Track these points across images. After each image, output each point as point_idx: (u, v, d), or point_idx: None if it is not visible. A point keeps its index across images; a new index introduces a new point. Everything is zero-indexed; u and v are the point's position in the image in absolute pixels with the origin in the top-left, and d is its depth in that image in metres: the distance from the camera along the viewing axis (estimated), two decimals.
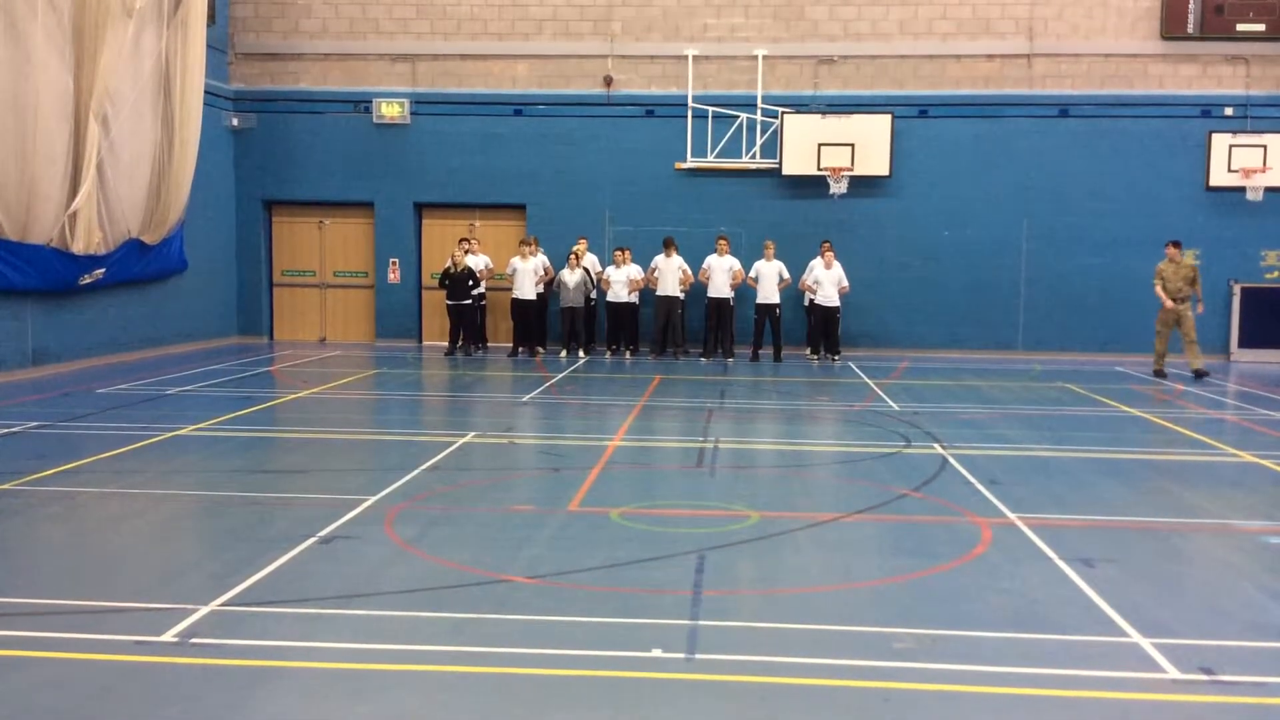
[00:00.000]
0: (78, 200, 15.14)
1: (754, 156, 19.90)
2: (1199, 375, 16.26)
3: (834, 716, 4.56)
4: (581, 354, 18.85)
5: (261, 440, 10.81)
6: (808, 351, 19.27)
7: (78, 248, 15.31)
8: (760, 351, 18.74)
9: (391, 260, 20.83)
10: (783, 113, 19.63)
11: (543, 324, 19.16)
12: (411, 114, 20.36)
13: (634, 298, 18.94)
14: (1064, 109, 19.74)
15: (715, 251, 18.56)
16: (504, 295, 19.64)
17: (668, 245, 18.61)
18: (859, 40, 19.89)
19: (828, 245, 18.69)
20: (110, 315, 16.83)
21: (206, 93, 18.49)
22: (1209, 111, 19.54)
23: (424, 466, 9.33)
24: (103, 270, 16.07)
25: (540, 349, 19.06)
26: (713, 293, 18.44)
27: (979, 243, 19.91)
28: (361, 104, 20.47)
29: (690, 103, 19.90)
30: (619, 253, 18.83)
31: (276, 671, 4.92)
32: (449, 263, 18.92)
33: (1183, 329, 16.58)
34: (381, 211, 20.75)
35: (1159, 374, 16.77)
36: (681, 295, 18.77)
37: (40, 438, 10.54)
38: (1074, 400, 14.21)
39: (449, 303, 18.84)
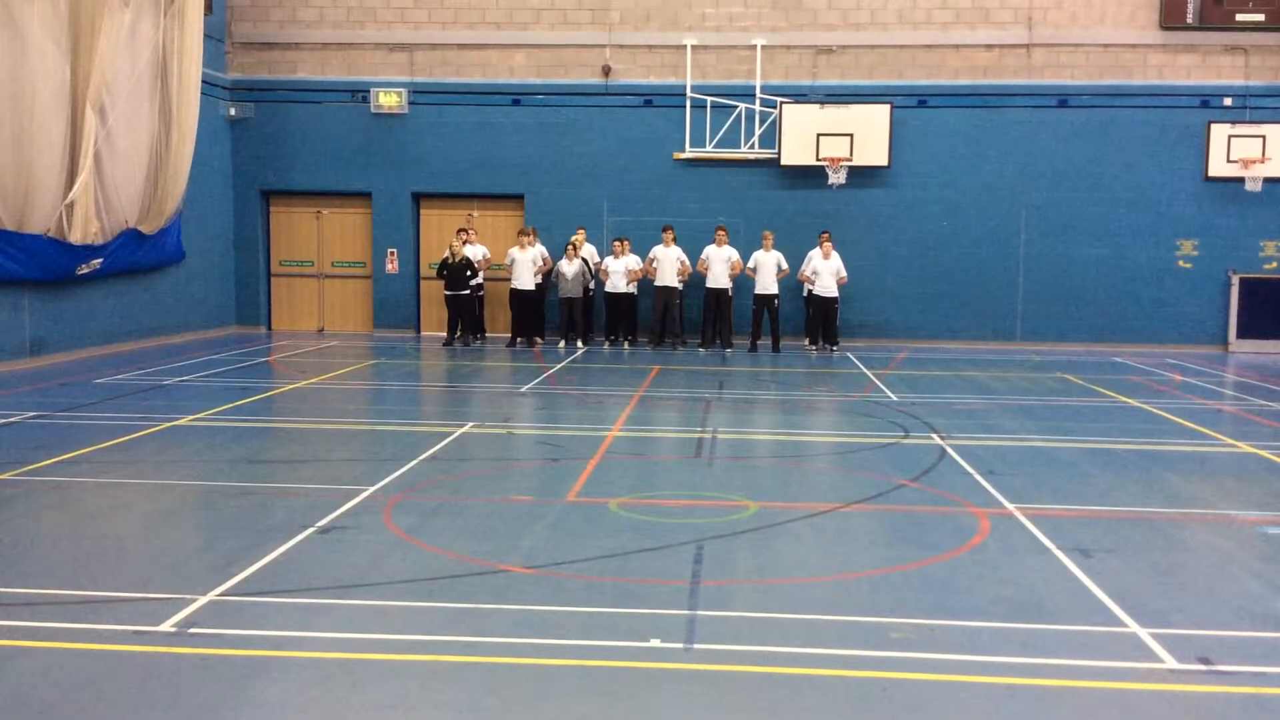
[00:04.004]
0: (75, 190, 15.10)
1: (753, 146, 19.86)
2: None
3: (832, 707, 4.57)
4: (580, 344, 18.84)
5: (260, 431, 10.80)
6: (806, 342, 19.26)
7: (75, 238, 15.27)
8: (758, 342, 18.74)
9: (389, 250, 20.80)
10: (781, 103, 19.60)
11: (541, 314, 19.14)
12: (409, 104, 20.31)
13: (632, 288, 18.92)
14: (1063, 99, 19.70)
15: (714, 242, 18.53)
16: (502, 286, 19.62)
17: (666, 232, 18.57)
18: (858, 30, 19.84)
19: (826, 236, 18.68)
20: (108, 305, 16.81)
21: (204, 82, 18.43)
22: (1208, 101, 19.52)
23: (422, 457, 9.33)
24: (100, 260, 16.04)
25: (538, 339, 19.04)
26: (711, 283, 18.40)
27: (977, 233, 19.90)
28: (359, 93, 20.41)
29: (689, 92, 19.85)
30: (617, 243, 18.80)
31: (275, 661, 4.92)
32: (447, 253, 18.90)
33: None
34: (379, 201, 20.71)
35: None
36: (680, 286, 18.74)
37: (38, 427, 10.53)
38: (1072, 391, 14.21)
39: (447, 293, 18.82)
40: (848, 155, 19.35)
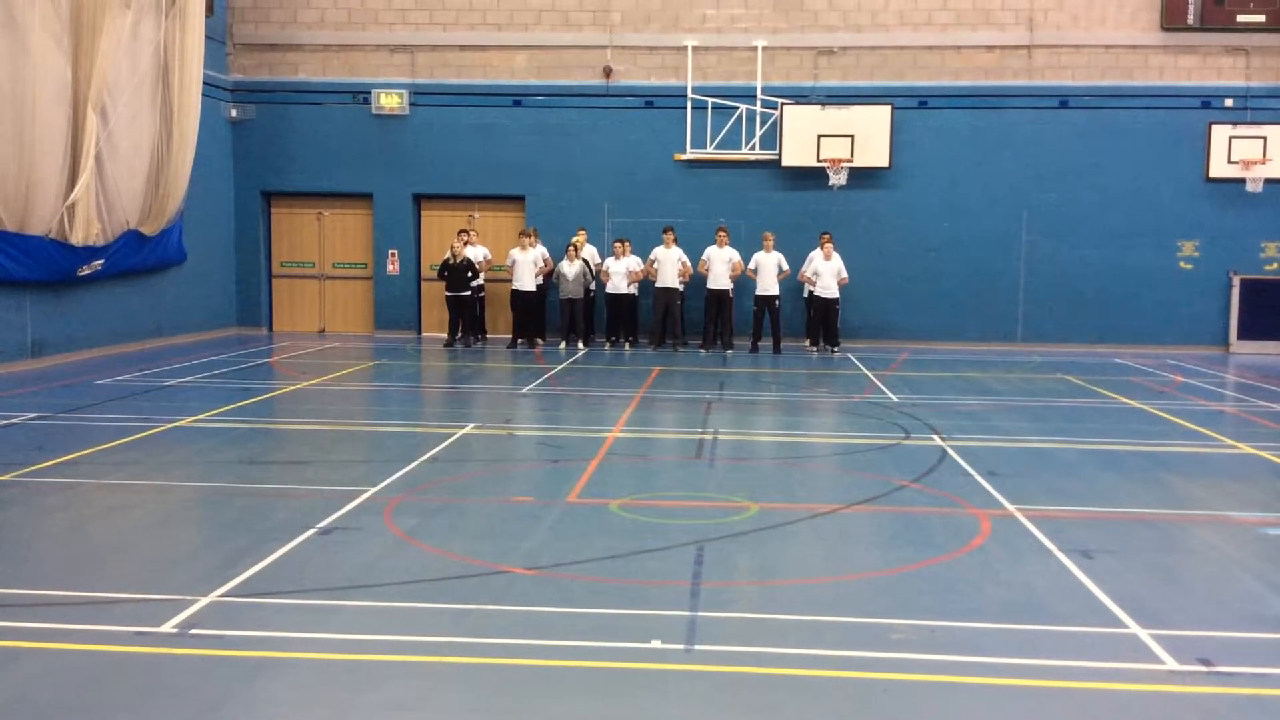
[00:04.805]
0: (76, 191, 15.11)
1: (753, 148, 19.86)
2: None
3: (833, 707, 4.57)
4: (581, 345, 18.84)
5: (261, 432, 10.81)
6: (807, 343, 19.26)
7: (76, 239, 15.28)
8: (759, 343, 18.74)
9: (390, 251, 20.81)
10: (782, 104, 19.60)
11: (542, 315, 19.14)
12: (410, 105, 20.32)
13: (633, 289, 18.92)
14: (1064, 100, 19.70)
15: (714, 243, 18.53)
16: (503, 287, 19.62)
17: (667, 233, 18.58)
18: (859, 31, 19.84)
19: (827, 237, 18.68)
20: (109, 307, 16.81)
21: (205, 83, 18.44)
22: (1209, 103, 19.52)
23: (423, 458, 9.33)
24: (101, 261, 16.05)
25: (539, 340, 19.05)
26: (712, 284, 18.41)
27: (978, 234, 19.89)
28: (360, 95, 20.42)
29: (690, 94, 19.85)
30: (618, 244, 18.81)
31: (276, 662, 4.92)
32: (448, 254, 18.90)
33: None
34: (380, 203, 20.72)
35: None
36: (681, 287, 18.74)
37: (39, 429, 10.54)
38: (1073, 392, 14.21)
39: (448, 294, 18.82)
40: (848, 156, 19.34)
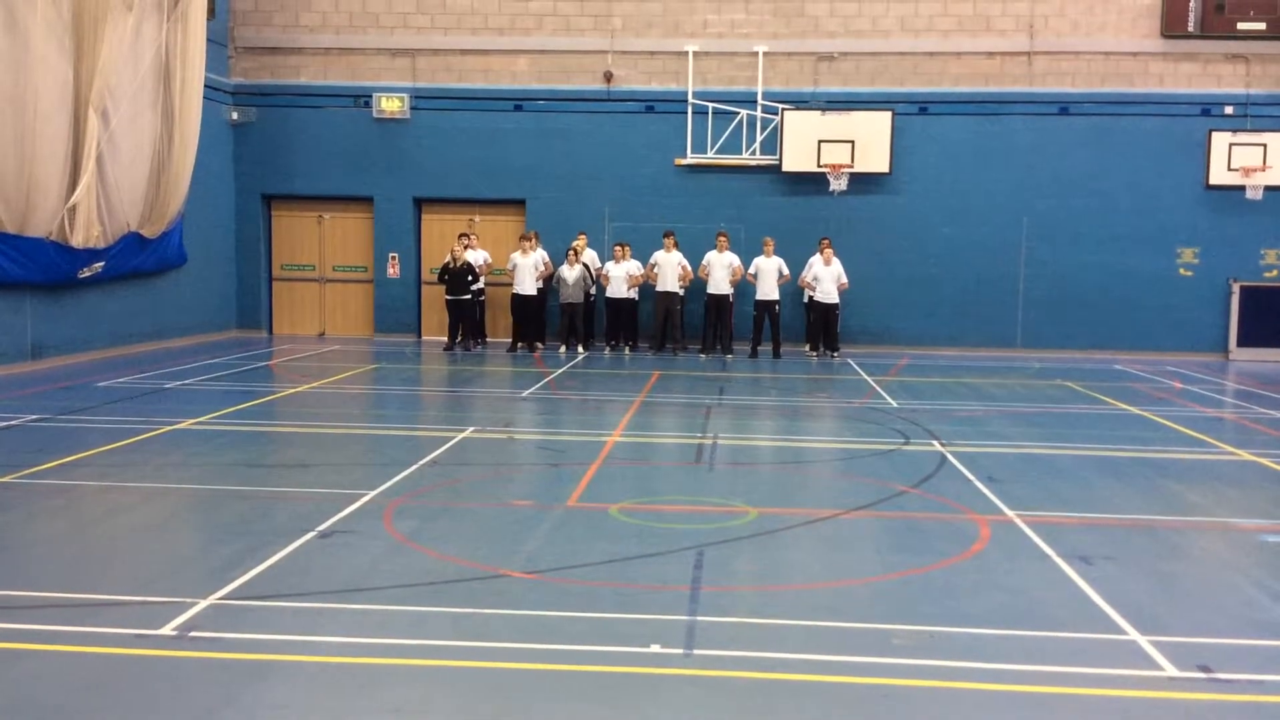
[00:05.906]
0: (77, 193, 15.12)
1: (754, 153, 19.88)
2: None
3: (832, 712, 4.57)
4: (580, 349, 18.85)
5: (260, 435, 10.81)
6: (807, 348, 19.26)
7: (77, 241, 15.29)
8: (759, 348, 18.75)
9: (391, 255, 20.82)
10: (783, 109, 19.62)
11: (542, 319, 19.14)
12: (411, 109, 20.34)
13: (633, 293, 18.93)
14: (1064, 107, 19.72)
15: (715, 247, 18.55)
16: (503, 290, 19.63)
17: (668, 237, 18.60)
18: (859, 37, 19.87)
19: (827, 242, 18.68)
20: (109, 309, 16.82)
21: (206, 86, 18.45)
22: (1209, 110, 19.54)
23: (423, 461, 9.33)
24: (102, 264, 16.06)
25: (539, 344, 19.05)
26: (712, 289, 18.43)
27: (978, 240, 19.90)
28: (361, 98, 20.44)
29: (690, 99, 19.88)
30: (618, 248, 18.82)
31: (275, 665, 4.92)
32: (448, 258, 18.91)
33: None
34: (381, 206, 20.73)
35: None
36: (681, 291, 18.76)
37: (39, 431, 10.54)
38: (1073, 398, 14.22)
39: (448, 298, 18.82)
40: (849, 162, 19.36)
